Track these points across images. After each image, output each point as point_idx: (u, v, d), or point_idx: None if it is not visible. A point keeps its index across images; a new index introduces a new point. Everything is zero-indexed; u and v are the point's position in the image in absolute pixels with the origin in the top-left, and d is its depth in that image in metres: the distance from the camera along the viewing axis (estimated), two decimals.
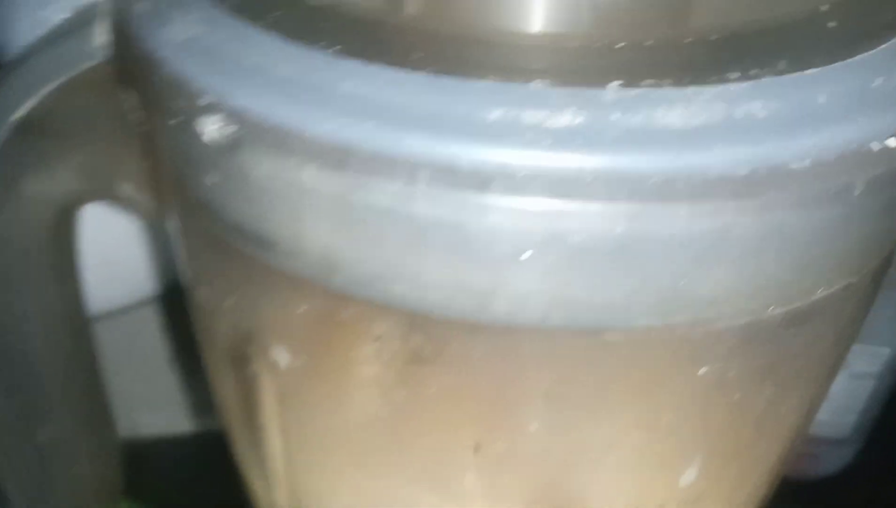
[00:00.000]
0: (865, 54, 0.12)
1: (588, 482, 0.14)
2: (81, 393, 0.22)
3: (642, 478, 0.14)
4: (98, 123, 0.17)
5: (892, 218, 0.13)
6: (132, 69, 0.14)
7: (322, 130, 0.11)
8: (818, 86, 0.11)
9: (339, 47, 0.12)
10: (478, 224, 0.11)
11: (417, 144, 0.11)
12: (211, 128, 0.12)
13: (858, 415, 0.32)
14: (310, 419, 0.15)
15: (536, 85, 0.11)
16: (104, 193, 0.18)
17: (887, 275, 0.14)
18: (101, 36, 0.15)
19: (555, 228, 0.11)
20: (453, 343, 0.13)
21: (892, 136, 0.11)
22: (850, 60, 0.12)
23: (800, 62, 0.12)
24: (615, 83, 0.11)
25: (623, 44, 0.12)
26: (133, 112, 0.16)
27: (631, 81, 0.11)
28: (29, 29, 0.17)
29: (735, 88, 0.11)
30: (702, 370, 0.13)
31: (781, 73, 0.11)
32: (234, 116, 0.12)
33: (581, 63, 0.12)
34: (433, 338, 0.13)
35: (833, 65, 0.12)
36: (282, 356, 0.15)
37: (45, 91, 0.16)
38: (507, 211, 0.11)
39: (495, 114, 0.11)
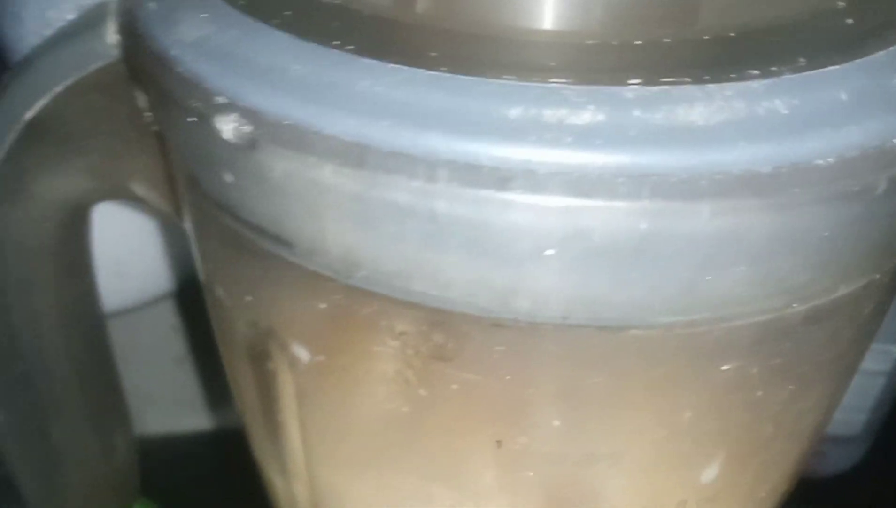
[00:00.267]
0: (886, 51, 0.12)
1: (608, 478, 0.14)
2: (96, 391, 0.22)
3: (662, 475, 0.14)
4: (109, 123, 0.17)
5: None
6: (143, 68, 0.14)
7: (341, 129, 0.11)
8: (840, 83, 0.11)
9: (352, 46, 0.12)
10: (498, 222, 0.11)
11: (437, 142, 0.11)
12: (227, 127, 0.12)
13: (868, 413, 0.32)
14: (329, 415, 0.15)
15: (556, 82, 0.11)
16: (116, 192, 0.18)
17: None
18: (110, 35, 0.15)
19: (576, 225, 0.11)
20: (474, 340, 0.13)
21: None
22: (870, 57, 0.12)
23: (819, 59, 0.12)
24: (635, 81, 0.11)
25: (641, 41, 0.12)
26: (145, 111, 0.16)
27: (650, 78, 0.11)
28: (36, 29, 0.17)
29: (756, 85, 0.11)
30: (723, 368, 0.13)
31: (801, 70, 0.11)
32: (250, 115, 0.12)
33: (599, 60, 0.12)
34: (454, 335, 0.13)
35: (854, 62, 0.12)
36: (301, 352, 0.15)
37: (55, 91, 0.16)
38: (528, 208, 0.11)
39: (515, 111, 0.11)
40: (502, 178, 0.11)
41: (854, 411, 0.33)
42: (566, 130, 0.11)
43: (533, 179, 0.11)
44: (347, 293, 0.13)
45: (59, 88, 0.16)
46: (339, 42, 0.12)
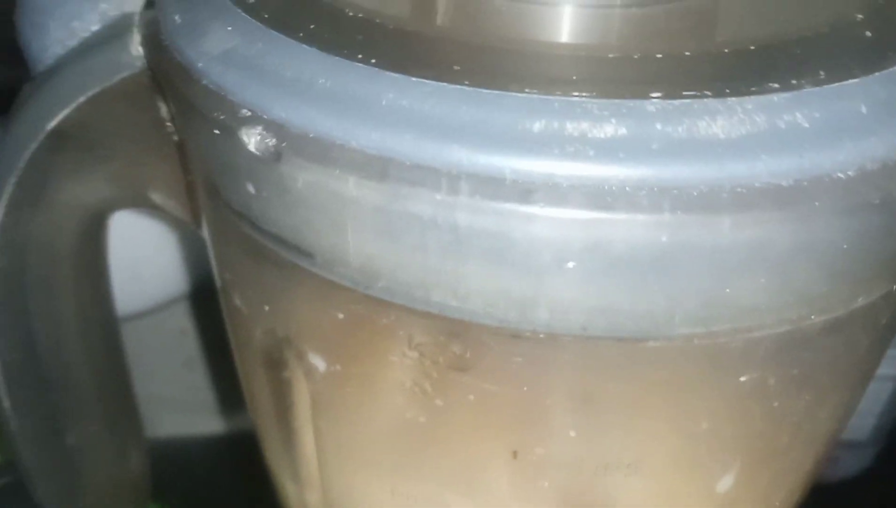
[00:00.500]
0: None
1: (624, 488, 0.14)
2: (111, 396, 0.22)
3: (679, 484, 0.15)
4: (131, 132, 0.17)
5: None
6: (168, 79, 0.14)
7: (365, 142, 0.11)
8: (859, 96, 0.11)
9: (376, 59, 0.12)
10: (520, 234, 0.11)
11: (460, 155, 0.11)
12: (252, 140, 0.12)
13: (877, 418, 0.32)
14: (344, 424, 0.15)
15: (578, 96, 0.11)
16: (135, 199, 0.19)
17: None
18: (135, 46, 0.16)
19: (597, 238, 0.11)
20: (493, 351, 0.13)
21: None
22: (890, 70, 0.12)
23: (839, 72, 0.12)
24: (656, 94, 0.11)
25: (662, 54, 0.12)
26: (167, 121, 0.16)
27: (672, 91, 0.11)
28: (60, 39, 0.17)
29: (777, 98, 0.11)
30: (741, 378, 0.13)
31: (822, 83, 0.12)
32: (275, 128, 0.12)
33: (621, 74, 0.12)
34: (472, 345, 0.13)
35: (873, 74, 0.12)
36: (318, 361, 0.15)
37: (79, 101, 0.16)
38: (550, 221, 0.11)
39: (538, 125, 0.11)
40: (525, 191, 0.11)
41: (863, 416, 0.32)
42: (589, 144, 0.11)
43: (555, 193, 0.11)
44: (366, 303, 0.13)
45: (83, 98, 0.16)
46: (362, 55, 0.12)
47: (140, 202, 0.18)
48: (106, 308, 0.21)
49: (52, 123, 0.16)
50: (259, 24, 0.13)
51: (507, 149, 0.11)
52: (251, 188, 0.13)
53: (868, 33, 0.13)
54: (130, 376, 0.23)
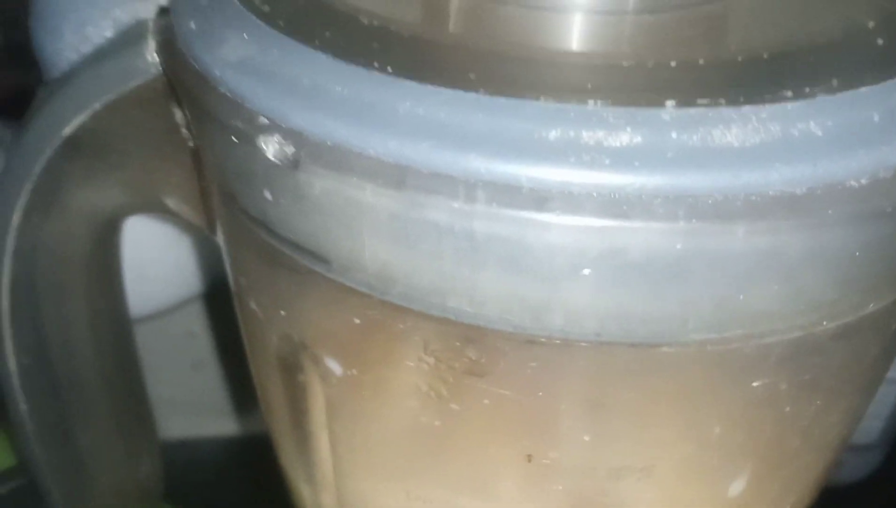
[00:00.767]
0: None
1: (636, 492, 0.14)
2: (123, 399, 0.22)
3: (690, 488, 0.15)
4: (145, 138, 0.17)
5: None
6: (184, 86, 0.15)
7: (382, 151, 0.12)
8: (872, 104, 0.11)
9: (392, 67, 0.12)
10: (535, 241, 0.11)
11: (477, 164, 0.11)
12: (270, 147, 0.12)
13: (884, 421, 0.32)
14: (360, 427, 0.16)
15: (593, 104, 0.11)
16: (149, 205, 0.19)
17: None
18: (150, 53, 0.16)
19: (612, 245, 0.11)
20: (508, 356, 0.13)
21: None
22: None
23: (852, 79, 0.12)
24: (671, 102, 0.11)
25: (675, 62, 0.12)
26: (182, 127, 0.16)
27: (686, 99, 0.11)
28: (74, 45, 0.18)
29: (791, 106, 0.11)
30: (753, 384, 0.13)
31: (835, 91, 0.12)
32: (293, 136, 0.12)
33: (634, 82, 0.12)
34: (488, 351, 0.13)
35: (886, 82, 0.12)
36: (334, 365, 0.15)
37: (94, 107, 0.16)
38: (565, 229, 0.11)
39: (554, 133, 0.11)
40: (541, 199, 0.11)
41: (871, 418, 0.32)
42: (604, 152, 0.11)
43: (571, 201, 0.11)
44: (382, 309, 0.13)
45: (98, 105, 0.16)
46: (378, 63, 0.12)
47: (154, 208, 0.19)
48: (119, 313, 0.21)
49: (68, 130, 0.17)
50: (275, 31, 0.13)
51: (523, 157, 0.11)
52: (268, 195, 0.13)
53: (880, 41, 0.13)
54: (143, 380, 0.23)
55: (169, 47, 0.15)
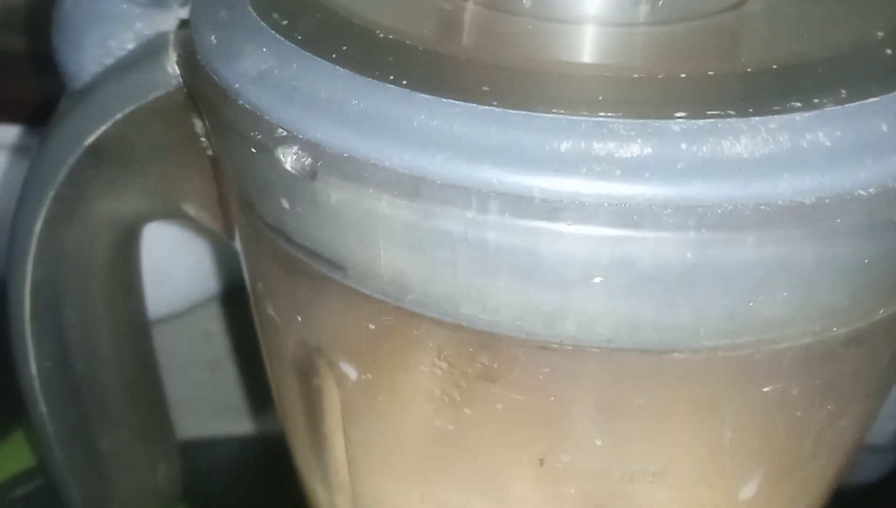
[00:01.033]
0: None
1: (648, 496, 0.14)
2: (142, 403, 0.23)
3: (702, 493, 0.15)
4: (166, 148, 0.17)
5: None
6: (204, 98, 0.15)
7: (398, 162, 0.12)
8: (881, 114, 0.12)
9: (407, 80, 0.12)
10: (548, 250, 0.12)
11: (490, 175, 0.11)
12: (288, 159, 0.13)
13: None
14: (374, 431, 0.16)
15: (604, 116, 0.12)
16: (169, 212, 0.19)
17: None
18: (171, 66, 0.16)
19: (624, 255, 0.11)
20: (520, 362, 0.13)
21: None
22: None
23: (860, 90, 0.12)
24: (681, 114, 0.11)
25: (685, 74, 0.12)
26: (201, 137, 0.17)
27: (696, 111, 0.12)
28: (96, 57, 0.18)
29: (799, 117, 0.11)
30: (765, 389, 0.13)
31: (843, 101, 0.12)
32: (311, 147, 0.12)
33: (646, 94, 0.12)
34: (501, 357, 0.13)
35: (894, 93, 0.12)
36: (349, 370, 0.15)
37: (116, 118, 0.17)
38: (577, 239, 0.11)
39: (566, 145, 0.11)
40: (553, 209, 0.11)
41: (884, 420, 0.32)
42: (615, 163, 0.11)
43: (582, 211, 0.11)
44: (397, 315, 0.14)
45: (120, 115, 0.16)
46: (394, 77, 0.12)
47: (174, 214, 0.19)
48: (138, 318, 0.21)
49: (90, 139, 0.17)
50: (293, 45, 0.14)
51: (535, 169, 0.11)
52: (286, 204, 0.14)
53: (889, 51, 0.13)
54: (162, 383, 0.23)
55: (189, 60, 0.15)
